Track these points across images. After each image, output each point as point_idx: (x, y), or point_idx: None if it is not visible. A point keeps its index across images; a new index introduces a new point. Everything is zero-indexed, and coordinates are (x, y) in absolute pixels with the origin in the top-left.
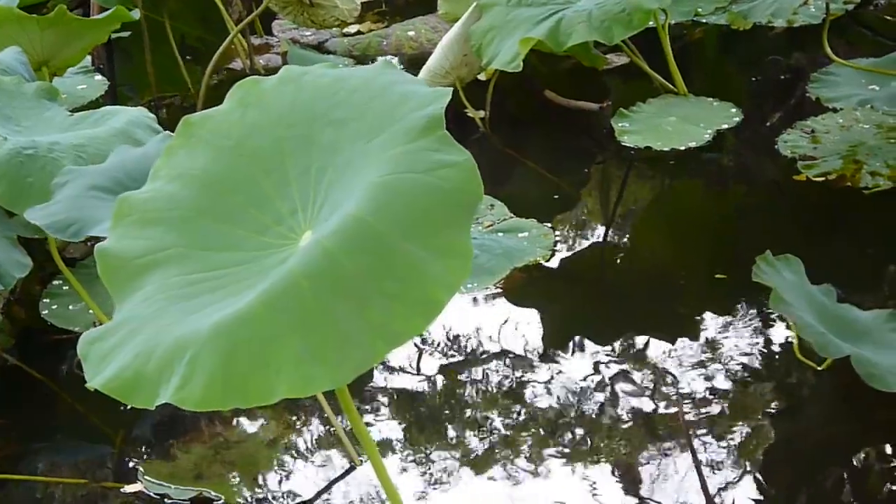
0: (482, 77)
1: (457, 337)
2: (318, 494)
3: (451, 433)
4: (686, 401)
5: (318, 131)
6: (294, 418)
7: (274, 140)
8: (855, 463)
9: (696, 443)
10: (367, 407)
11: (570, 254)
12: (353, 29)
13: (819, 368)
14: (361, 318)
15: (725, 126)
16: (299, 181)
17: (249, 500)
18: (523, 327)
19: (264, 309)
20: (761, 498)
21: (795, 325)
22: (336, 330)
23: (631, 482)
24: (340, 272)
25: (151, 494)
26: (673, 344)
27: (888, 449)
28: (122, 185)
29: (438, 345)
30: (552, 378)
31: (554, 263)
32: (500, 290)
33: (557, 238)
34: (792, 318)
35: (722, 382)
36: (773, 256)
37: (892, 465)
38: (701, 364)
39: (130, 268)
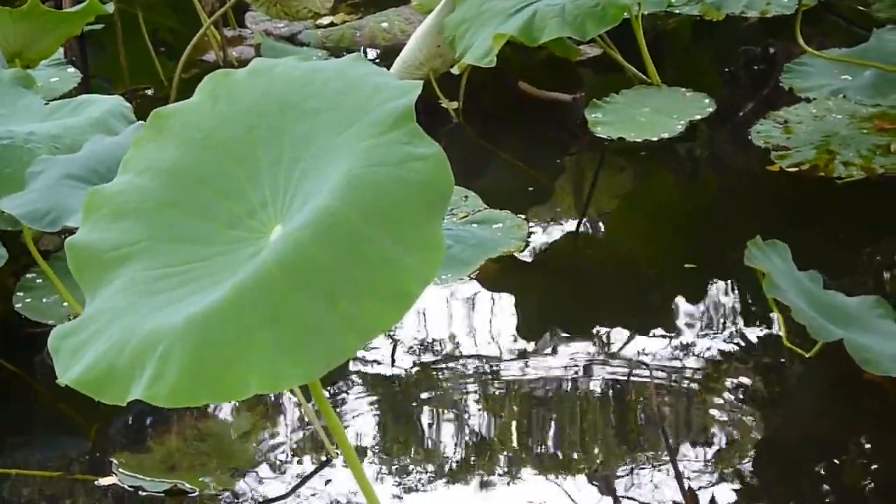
0: (455, 71)
1: (431, 327)
2: (294, 488)
3: (426, 425)
4: (663, 390)
5: (289, 122)
6: (269, 411)
7: (245, 130)
8: (844, 453)
9: (673, 434)
10: (340, 399)
11: (543, 244)
12: (326, 20)
13: (807, 356)
14: (333, 311)
15: (699, 117)
16: (270, 172)
17: (223, 492)
18: (497, 318)
19: (235, 303)
20: (742, 488)
21: (791, 310)
22: (307, 324)
23: (606, 476)
24: (312, 265)
25: (125, 487)
26: (648, 333)
27: (878, 438)
28: (97, 175)
29: (413, 336)
30: (526, 368)
31: (528, 254)
32: (474, 281)
33: (531, 229)
34: (786, 303)
35: (704, 371)
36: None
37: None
38: (679, 353)
39: (101, 261)
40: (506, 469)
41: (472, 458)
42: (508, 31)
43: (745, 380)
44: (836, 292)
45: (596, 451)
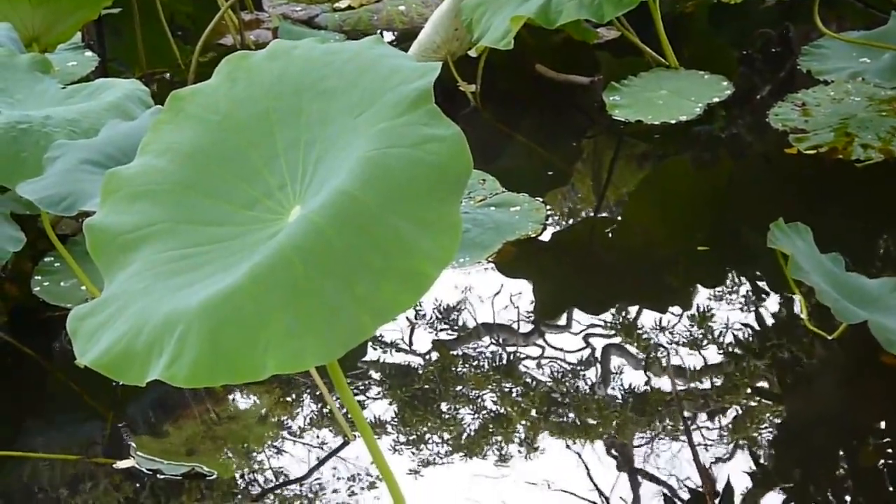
0: (472, 53)
1: (449, 311)
2: (311, 470)
3: (444, 408)
4: (681, 372)
5: (306, 103)
6: (286, 394)
7: (262, 112)
8: (865, 434)
9: (690, 416)
10: (359, 382)
11: (561, 228)
12: (343, 4)
13: (830, 337)
14: (350, 293)
15: (716, 99)
16: (288, 154)
17: (242, 475)
18: (515, 301)
19: (253, 284)
20: (761, 469)
21: (815, 292)
22: (325, 305)
23: (624, 458)
24: (329, 247)
25: (144, 470)
26: (665, 316)
27: None
28: (114, 160)
29: (431, 319)
30: (544, 351)
31: (546, 237)
32: (492, 265)
33: (549, 212)
34: (810, 284)
35: (724, 352)
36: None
37: None
38: (698, 335)
39: (119, 243)
40: (522, 447)
41: (489, 437)
42: (526, 14)
43: (766, 361)
44: (857, 274)
45: (614, 430)
